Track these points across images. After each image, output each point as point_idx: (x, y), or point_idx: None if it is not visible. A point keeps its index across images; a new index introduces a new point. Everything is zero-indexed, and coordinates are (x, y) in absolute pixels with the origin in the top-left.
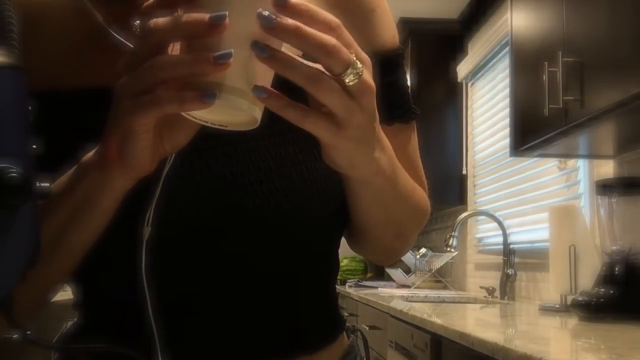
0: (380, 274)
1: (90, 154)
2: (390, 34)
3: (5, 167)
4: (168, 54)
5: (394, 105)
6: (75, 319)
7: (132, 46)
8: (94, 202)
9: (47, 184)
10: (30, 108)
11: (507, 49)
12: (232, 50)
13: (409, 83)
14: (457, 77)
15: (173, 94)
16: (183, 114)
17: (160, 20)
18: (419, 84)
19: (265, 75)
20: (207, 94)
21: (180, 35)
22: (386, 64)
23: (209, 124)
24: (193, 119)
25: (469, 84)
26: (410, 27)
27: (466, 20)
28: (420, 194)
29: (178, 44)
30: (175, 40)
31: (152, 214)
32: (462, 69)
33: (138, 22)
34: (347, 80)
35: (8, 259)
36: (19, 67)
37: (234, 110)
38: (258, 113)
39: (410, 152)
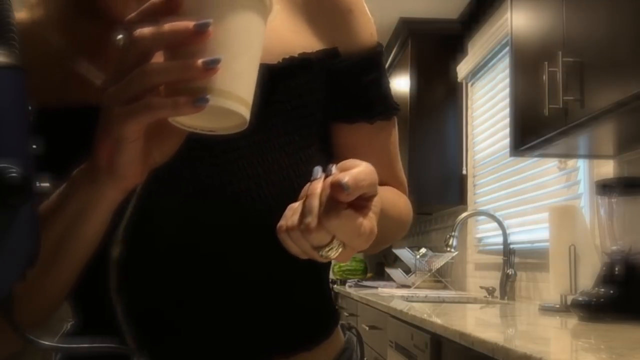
0: (380, 274)
1: (81, 167)
2: (367, 33)
3: (5, 167)
4: (154, 62)
5: (375, 104)
6: (73, 320)
7: (97, 75)
8: (87, 215)
9: (47, 184)
10: (30, 108)
11: (507, 49)
12: (221, 57)
13: (408, 84)
14: (457, 77)
15: (165, 99)
16: (171, 121)
17: (145, 30)
18: (419, 84)
19: (250, 78)
20: (199, 98)
21: (165, 44)
22: (365, 64)
23: (197, 130)
24: (181, 127)
25: (469, 84)
26: (410, 27)
27: (466, 20)
28: (403, 205)
29: (161, 54)
30: (160, 48)
31: (124, 231)
32: (462, 69)
33: (121, 36)
34: (329, 252)
35: (8, 259)
36: (19, 67)
37: (223, 114)
38: (247, 114)
39: (391, 150)
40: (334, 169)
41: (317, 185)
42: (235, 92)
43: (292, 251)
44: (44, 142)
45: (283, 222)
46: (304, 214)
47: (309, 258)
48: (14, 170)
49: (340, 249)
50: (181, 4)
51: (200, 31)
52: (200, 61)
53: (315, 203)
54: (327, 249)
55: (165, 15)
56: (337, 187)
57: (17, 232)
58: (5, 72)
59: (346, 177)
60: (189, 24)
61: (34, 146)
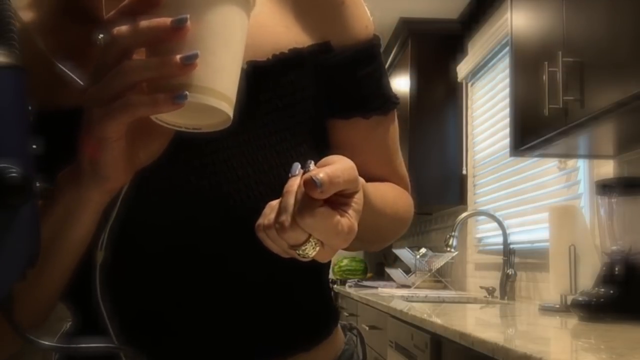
0: (380, 274)
1: (66, 170)
2: (362, 25)
3: (5, 167)
4: (134, 59)
5: (371, 98)
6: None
7: (76, 78)
8: (73, 218)
9: (47, 184)
10: (30, 108)
11: (507, 49)
12: (198, 52)
13: (408, 84)
14: (457, 77)
15: (144, 97)
16: (156, 120)
17: (123, 28)
18: (419, 84)
19: (231, 73)
20: (178, 95)
21: (144, 41)
22: (359, 57)
23: (182, 129)
24: (166, 125)
25: (469, 84)
26: (410, 27)
27: (466, 20)
28: (402, 202)
29: (142, 51)
30: (139, 46)
31: (109, 234)
32: (462, 69)
33: (101, 35)
34: (306, 251)
35: (8, 259)
36: (19, 67)
37: (206, 111)
38: (229, 110)
39: (390, 145)
40: (312, 165)
41: (294, 182)
42: (215, 88)
43: (272, 250)
44: (43, 142)
45: (261, 221)
46: (279, 212)
47: (293, 257)
48: (14, 170)
49: (317, 248)
50: (160, 0)
51: (178, 27)
52: (177, 57)
53: (290, 201)
54: (303, 247)
55: (145, 12)
56: (310, 184)
57: (17, 232)
58: (5, 72)
59: (320, 174)
60: (166, 20)
61: (34, 146)
